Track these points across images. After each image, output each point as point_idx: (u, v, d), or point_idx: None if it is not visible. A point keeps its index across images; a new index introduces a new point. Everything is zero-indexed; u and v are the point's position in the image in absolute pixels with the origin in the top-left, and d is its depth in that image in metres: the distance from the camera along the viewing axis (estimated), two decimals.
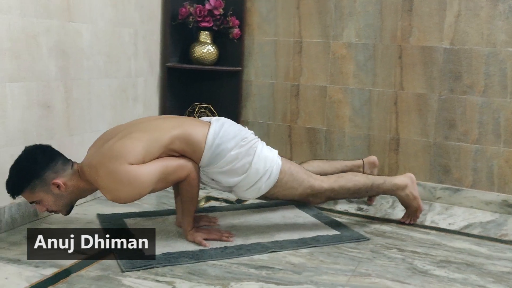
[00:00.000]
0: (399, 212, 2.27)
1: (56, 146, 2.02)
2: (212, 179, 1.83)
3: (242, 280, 1.55)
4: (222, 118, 1.89)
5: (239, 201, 2.38)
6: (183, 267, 1.61)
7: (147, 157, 1.64)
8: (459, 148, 2.42)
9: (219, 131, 1.76)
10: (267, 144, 1.93)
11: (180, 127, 1.74)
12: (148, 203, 2.22)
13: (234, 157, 1.76)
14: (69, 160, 1.72)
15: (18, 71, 1.83)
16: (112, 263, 1.62)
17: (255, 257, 1.73)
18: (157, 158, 1.68)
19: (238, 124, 1.90)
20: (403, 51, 2.46)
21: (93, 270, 1.57)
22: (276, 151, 1.90)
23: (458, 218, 2.27)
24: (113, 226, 1.93)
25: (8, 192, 1.63)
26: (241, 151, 1.77)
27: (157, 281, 1.51)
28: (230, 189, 1.88)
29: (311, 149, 2.70)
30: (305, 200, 2.00)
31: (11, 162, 1.80)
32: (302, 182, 1.90)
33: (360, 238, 1.94)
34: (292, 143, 2.76)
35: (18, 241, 1.76)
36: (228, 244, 1.81)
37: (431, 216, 2.28)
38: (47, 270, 1.55)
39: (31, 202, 1.67)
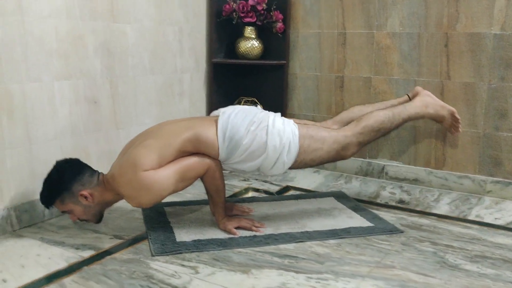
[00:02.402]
0: (442, 205, 2.21)
1: (103, 139, 2.19)
2: (236, 169, 1.88)
3: (263, 268, 1.59)
4: (229, 108, 1.89)
5: (279, 192, 2.42)
6: (209, 253, 1.69)
7: (162, 162, 1.71)
8: (511, 139, 2.29)
9: (226, 124, 1.78)
10: None
11: (191, 129, 1.77)
12: (190, 193, 2.32)
13: (249, 143, 1.78)
14: (96, 171, 1.82)
15: (66, 70, 1.98)
16: (145, 247, 1.73)
17: (282, 246, 1.76)
18: (173, 161, 1.74)
19: (245, 107, 1.90)
20: (450, 39, 2.36)
21: (126, 253, 1.68)
22: (291, 120, 1.88)
23: (507, 213, 2.15)
24: (153, 214, 2.04)
25: (42, 204, 1.77)
26: (253, 136, 1.78)
27: (183, 265, 1.59)
28: (258, 171, 1.90)
29: None
30: (338, 157, 1.91)
31: (60, 155, 1.98)
32: (325, 139, 1.86)
33: (393, 231, 1.90)
34: None
35: (66, 225, 1.93)
36: (258, 233, 1.85)
37: (477, 210, 2.18)
38: (86, 252, 1.69)
39: (63, 212, 1.80)
